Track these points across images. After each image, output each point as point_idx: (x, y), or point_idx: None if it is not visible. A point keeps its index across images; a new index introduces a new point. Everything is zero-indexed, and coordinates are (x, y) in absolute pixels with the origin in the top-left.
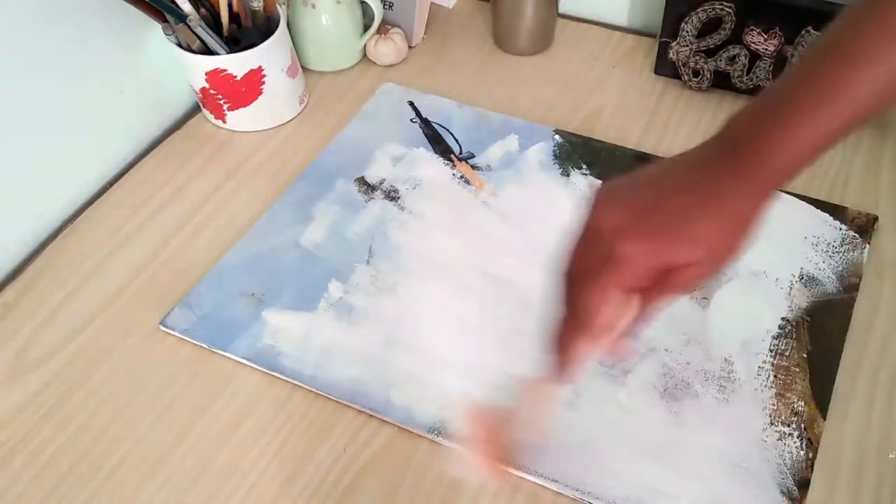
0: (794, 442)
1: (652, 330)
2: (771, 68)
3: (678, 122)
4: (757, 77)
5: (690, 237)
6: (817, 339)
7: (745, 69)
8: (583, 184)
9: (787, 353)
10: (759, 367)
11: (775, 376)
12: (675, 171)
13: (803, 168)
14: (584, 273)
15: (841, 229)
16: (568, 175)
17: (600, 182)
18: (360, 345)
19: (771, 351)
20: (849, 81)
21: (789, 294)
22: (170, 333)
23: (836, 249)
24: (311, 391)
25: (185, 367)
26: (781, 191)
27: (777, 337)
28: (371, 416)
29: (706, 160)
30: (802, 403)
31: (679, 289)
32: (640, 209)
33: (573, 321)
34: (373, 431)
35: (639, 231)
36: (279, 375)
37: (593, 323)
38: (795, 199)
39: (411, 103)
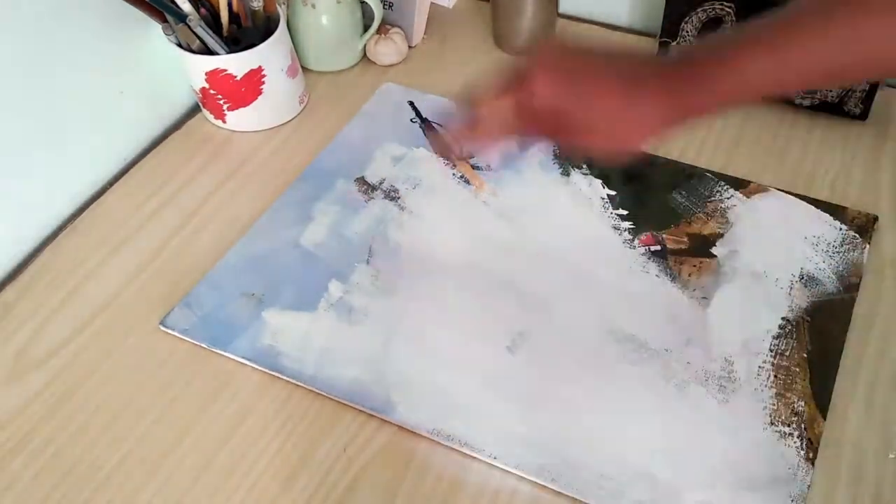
0: (794, 442)
1: (652, 330)
2: None
3: None
4: None
5: (597, 100)
6: (817, 339)
7: None
8: (583, 184)
9: (787, 353)
10: (760, 367)
11: (775, 376)
12: (620, 55)
13: (731, 103)
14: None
15: (841, 229)
16: (568, 175)
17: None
18: (361, 345)
19: (771, 351)
20: (805, 41)
21: (789, 294)
22: (170, 333)
23: (837, 249)
24: (311, 391)
25: (185, 366)
26: (782, 191)
27: (777, 337)
28: (371, 416)
29: (653, 58)
30: (802, 403)
31: (559, 134)
32: (572, 65)
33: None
34: (373, 431)
35: (558, 76)
36: (279, 375)
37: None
38: (795, 199)
39: (411, 103)
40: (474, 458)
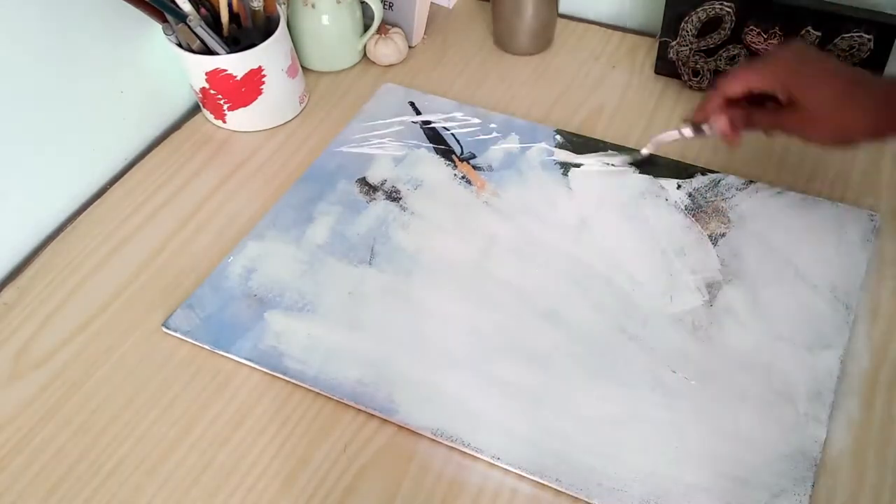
0: (800, 443)
1: (656, 329)
2: None
3: (678, 122)
4: None
5: (823, 85)
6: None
7: None
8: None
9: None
10: (764, 367)
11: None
12: (856, 70)
13: None
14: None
15: (843, 228)
16: (569, 175)
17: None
18: (363, 346)
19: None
20: None
21: (793, 293)
22: (171, 335)
23: (840, 249)
24: (310, 390)
25: (185, 366)
26: (785, 190)
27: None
28: (371, 415)
29: (878, 77)
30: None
31: (780, 116)
32: (807, 55)
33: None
34: (373, 431)
35: (795, 60)
36: (283, 377)
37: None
38: (798, 198)
39: (412, 104)
40: (475, 457)
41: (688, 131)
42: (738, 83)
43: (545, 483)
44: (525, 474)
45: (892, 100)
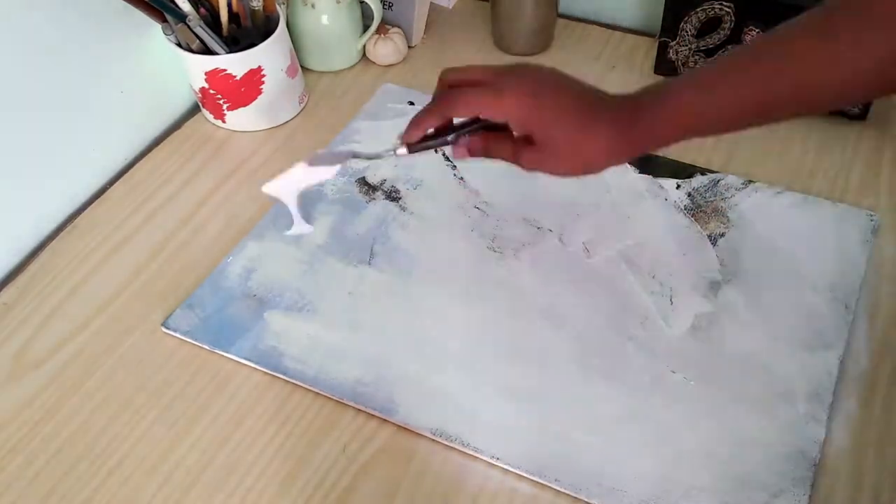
0: (799, 444)
1: (655, 329)
2: None
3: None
4: None
5: (558, 124)
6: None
7: None
8: None
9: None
10: (764, 366)
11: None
12: (584, 87)
13: (671, 139)
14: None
15: (842, 228)
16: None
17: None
18: (363, 346)
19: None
20: (731, 78)
21: (793, 293)
22: (171, 335)
23: (837, 248)
24: (310, 390)
25: (185, 366)
26: (784, 190)
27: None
28: (371, 415)
29: (609, 95)
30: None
31: (524, 151)
32: (540, 89)
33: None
34: (373, 431)
35: (527, 90)
36: (282, 377)
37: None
38: (798, 198)
39: (411, 103)
40: (474, 457)
41: (403, 150)
42: (464, 109)
43: (545, 483)
44: (524, 474)
45: (621, 125)
